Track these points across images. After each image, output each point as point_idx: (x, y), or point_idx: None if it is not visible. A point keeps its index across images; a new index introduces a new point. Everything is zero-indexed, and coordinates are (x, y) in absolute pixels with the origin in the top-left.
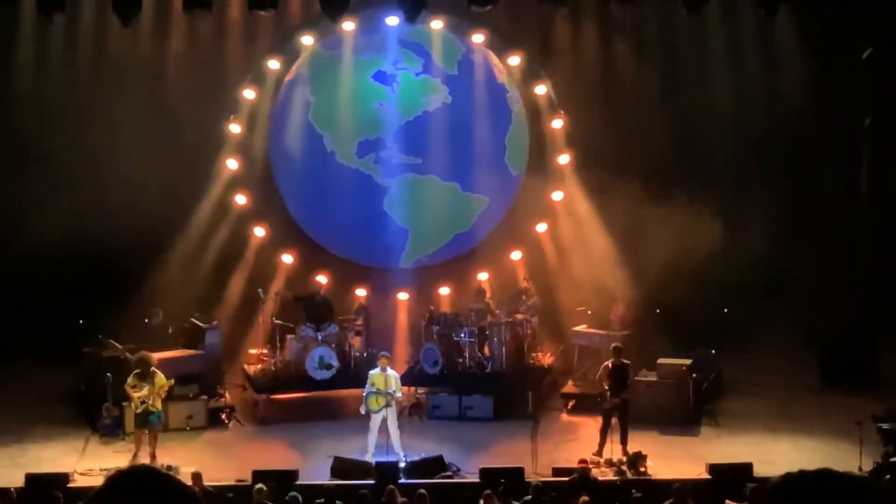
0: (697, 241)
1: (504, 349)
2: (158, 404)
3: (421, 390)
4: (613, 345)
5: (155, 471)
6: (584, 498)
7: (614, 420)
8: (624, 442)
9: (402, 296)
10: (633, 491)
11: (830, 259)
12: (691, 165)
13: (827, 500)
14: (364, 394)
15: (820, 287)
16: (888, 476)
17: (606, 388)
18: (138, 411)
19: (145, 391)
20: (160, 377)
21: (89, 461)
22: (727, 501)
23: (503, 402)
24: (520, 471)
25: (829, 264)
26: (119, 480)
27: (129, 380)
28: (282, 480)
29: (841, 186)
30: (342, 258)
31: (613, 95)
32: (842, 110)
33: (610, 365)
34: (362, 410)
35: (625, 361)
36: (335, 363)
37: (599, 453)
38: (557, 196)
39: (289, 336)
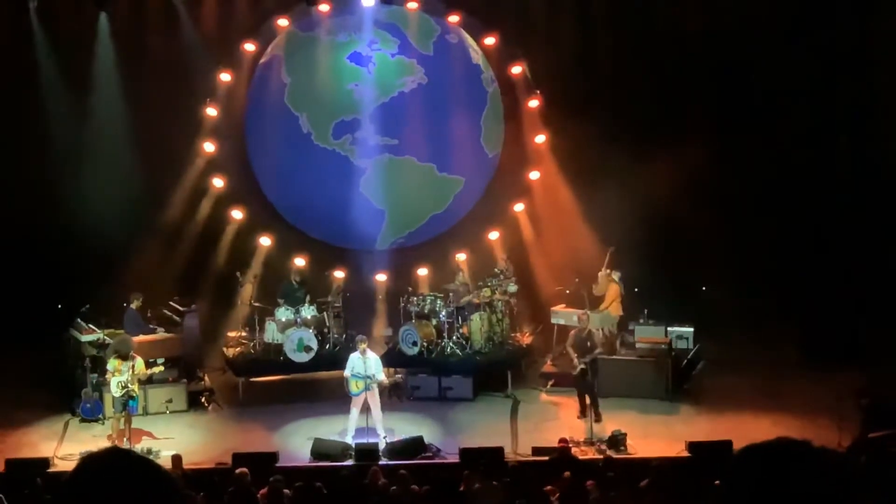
0: (676, 218)
1: (482, 329)
2: (137, 389)
3: (400, 371)
4: (581, 312)
5: (128, 452)
6: (567, 473)
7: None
8: (595, 408)
9: (381, 277)
10: (610, 473)
11: (808, 233)
12: (668, 136)
13: (788, 469)
14: (345, 376)
15: (799, 261)
16: (866, 452)
17: (574, 355)
18: (118, 395)
19: (126, 376)
20: (139, 362)
21: (69, 446)
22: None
23: (482, 382)
24: (500, 451)
25: (807, 238)
26: (92, 463)
27: (111, 363)
28: (262, 463)
29: (818, 152)
30: (319, 240)
31: (590, 73)
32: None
33: (577, 332)
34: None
35: (591, 329)
36: (314, 345)
37: (582, 413)
38: (534, 175)
39: (268, 318)
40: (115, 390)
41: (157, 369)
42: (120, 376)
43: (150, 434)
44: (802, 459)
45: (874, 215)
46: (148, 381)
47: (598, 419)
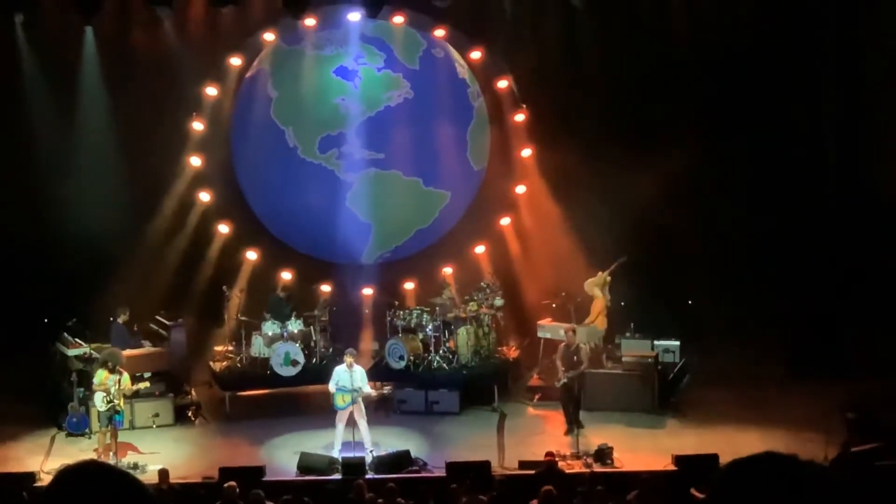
0: (662, 231)
1: (469, 343)
2: (122, 403)
3: (387, 385)
4: (568, 328)
5: (104, 465)
6: (547, 488)
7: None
8: (576, 415)
9: (367, 291)
10: (599, 487)
11: (794, 245)
12: (654, 150)
13: (775, 483)
14: (330, 390)
15: (786, 274)
16: (850, 465)
17: (561, 367)
18: (103, 409)
19: (113, 391)
20: (126, 377)
21: (55, 460)
22: (692, 490)
23: (469, 396)
24: (486, 465)
25: (793, 250)
26: (68, 475)
27: (98, 375)
28: (248, 477)
29: (805, 164)
30: (306, 254)
31: (576, 86)
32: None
33: (565, 345)
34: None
35: (579, 344)
36: (301, 359)
37: (569, 431)
38: (520, 190)
39: (254, 333)
40: (99, 404)
41: (142, 385)
42: (108, 389)
43: (135, 449)
44: (789, 474)
45: (862, 228)
46: (134, 396)
47: (579, 425)
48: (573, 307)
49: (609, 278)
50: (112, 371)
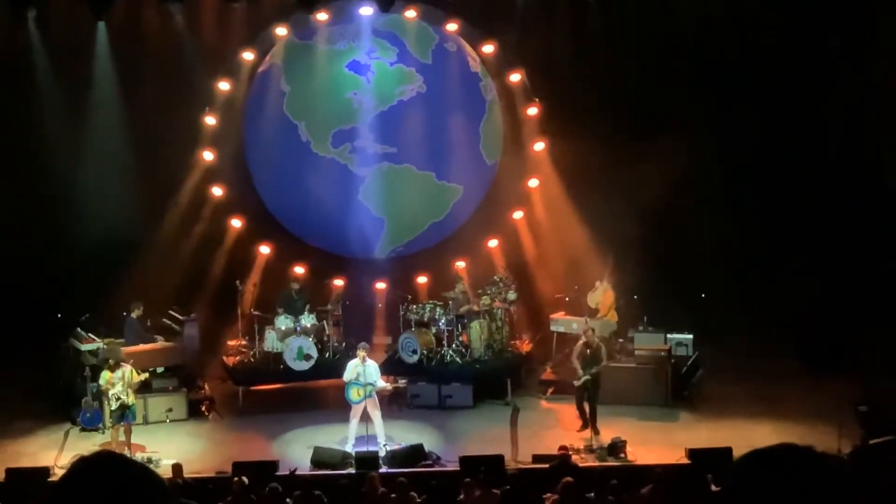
0: (675, 225)
1: (482, 337)
2: (132, 399)
3: (402, 379)
4: (586, 327)
5: (118, 455)
6: (567, 479)
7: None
8: (593, 421)
9: (380, 285)
10: (613, 481)
11: (806, 240)
12: (667, 143)
13: (791, 475)
14: (345, 383)
15: (797, 269)
16: (868, 458)
17: (578, 366)
18: (113, 408)
19: (119, 387)
20: (130, 369)
21: (69, 455)
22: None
23: (482, 390)
24: (500, 458)
25: (807, 244)
26: (82, 466)
27: (103, 376)
28: (262, 471)
29: (817, 160)
30: (319, 248)
31: (589, 79)
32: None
33: (582, 343)
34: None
35: (597, 341)
36: (314, 354)
37: (583, 428)
38: (533, 183)
39: (267, 327)
40: (109, 404)
41: (143, 376)
42: (113, 388)
43: (142, 448)
44: (806, 465)
45: (872, 223)
46: (146, 389)
47: (596, 432)
48: (586, 301)
49: (609, 285)
50: (114, 368)
